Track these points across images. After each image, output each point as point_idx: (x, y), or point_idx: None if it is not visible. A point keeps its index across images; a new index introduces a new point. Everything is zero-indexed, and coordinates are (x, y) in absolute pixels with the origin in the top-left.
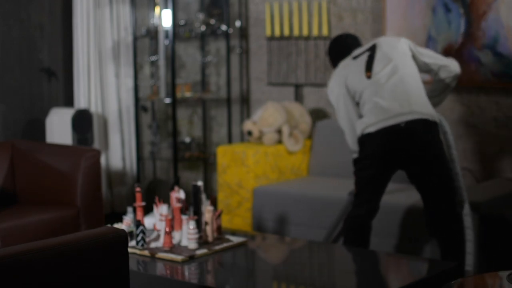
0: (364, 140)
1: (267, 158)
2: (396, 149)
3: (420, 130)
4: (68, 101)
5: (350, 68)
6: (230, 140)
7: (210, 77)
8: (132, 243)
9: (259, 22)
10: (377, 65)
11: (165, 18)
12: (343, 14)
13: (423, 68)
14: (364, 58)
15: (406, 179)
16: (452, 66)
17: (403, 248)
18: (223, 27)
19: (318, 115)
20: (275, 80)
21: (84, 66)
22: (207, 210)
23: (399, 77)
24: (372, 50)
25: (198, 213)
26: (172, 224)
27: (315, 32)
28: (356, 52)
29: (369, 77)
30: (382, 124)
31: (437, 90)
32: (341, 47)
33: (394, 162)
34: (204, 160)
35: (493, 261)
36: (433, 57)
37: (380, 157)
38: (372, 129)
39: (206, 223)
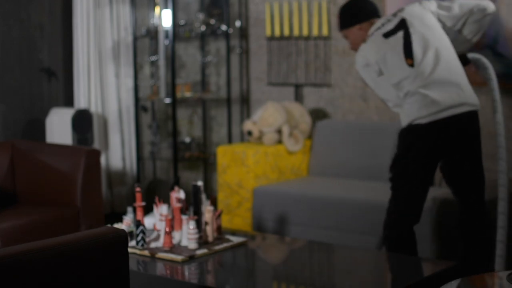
0: (410, 132)
1: (267, 158)
2: (446, 143)
3: (469, 123)
4: (68, 101)
5: (385, 49)
6: (230, 140)
7: (210, 77)
8: (132, 243)
9: (259, 22)
10: (416, 50)
11: (165, 18)
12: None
13: (452, 31)
14: (398, 39)
15: None
16: (483, 2)
17: None
18: (223, 27)
19: (318, 115)
20: (275, 80)
21: (84, 66)
22: (207, 210)
23: (444, 65)
24: (403, 27)
25: (198, 213)
26: (172, 224)
27: (315, 32)
28: (383, 26)
29: (411, 65)
30: (434, 117)
31: (472, 32)
32: (357, 9)
33: (439, 154)
34: (204, 160)
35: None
36: (463, 6)
37: (430, 150)
38: (422, 121)
39: (206, 223)
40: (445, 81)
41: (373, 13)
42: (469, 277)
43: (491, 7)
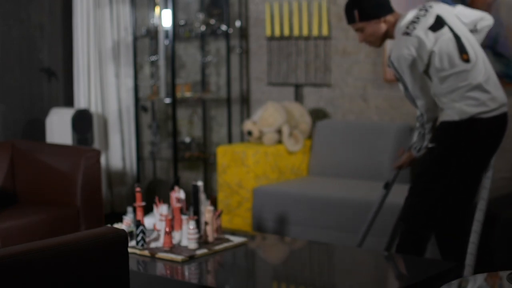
0: (472, 125)
1: (267, 158)
2: (501, 139)
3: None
4: (68, 101)
5: (440, 42)
6: (230, 140)
7: (210, 77)
8: (132, 243)
9: (259, 22)
10: (467, 46)
11: (165, 18)
12: (343, 14)
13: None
14: (447, 34)
15: (405, 179)
16: (486, 18)
17: None
18: (223, 27)
19: (318, 115)
20: (275, 80)
21: (84, 66)
22: (207, 210)
23: (488, 64)
24: (443, 23)
25: (198, 213)
26: (172, 224)
27: (315, 32)
28: (420, 21)
29: (466, 60)
30: (496, 112)
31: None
32: (383, 0)
33: (494, 151)
34: (204, 160)
35: (493, 261)
36: (470, 16)
37: (492, 145)
38: (486, 115)
39: (206, 223)
40: (495, 78)
41: (391, 6)
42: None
43: (491, 21)
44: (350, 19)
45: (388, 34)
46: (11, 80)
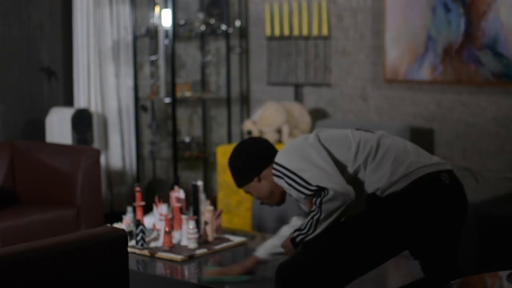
0: None
1: None
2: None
3: None
4: (68, 100)
5: None
6: (230, 140)
7: (210, 77)
8: (132, 242)
9: (259, 22)
10: None
11: (165, 17)
12: (343, 14)
13: None
14: None
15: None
16: None
17: None
18: (223, 27)
19: (318, 115)
20: (275, 80)
21: (84, 65)
22: (207, 209)
23: None
24: None
25: (197, 213)
26: (171, 224)
27: (315, 32)
28: None
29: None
30: None
31: None
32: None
33: None
34: (204, 160)
35: (493, 261)
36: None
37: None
38: None
39: (206, 223)
40: None
41: (266, 159)
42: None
43: None
44: (236, 185)
45: (280, 189)
46: (11, 80)
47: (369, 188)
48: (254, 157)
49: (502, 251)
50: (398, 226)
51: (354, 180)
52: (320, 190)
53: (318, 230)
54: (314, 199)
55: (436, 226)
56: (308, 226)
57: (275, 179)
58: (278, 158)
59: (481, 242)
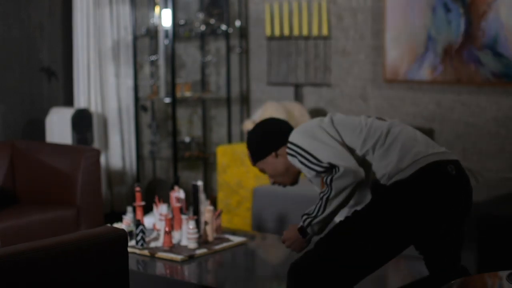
0: None
1: None
2: None
3: None
4: (68, 100)
5: None
6: (230, 140)
7: (210, 77)
8: (132, 242)
9: (259, 22)
10: None
11: (165, 17)
12: (343, 14)
13: None
14: None
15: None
16: None
17: None
18: (223, 27)
19: (318, 115)
20: (275, 80)
21: (84, 65)
22: (207, 209)
23: None
24: None
25: (197, 213)
26: (172, 224)
27: (315, 32)
28: None
29: None
30: None
31: None
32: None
33: None
34: (204, 160)
35: (493, 261)
36: None
37: None
38: None
39: (206, 223)
40: None
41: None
42: (469, 277)
43: None
44: (251, 162)
45: (295, 168)
46: (11, 80)
47: (377, 173)
48: (272, 133)
49: (502, 251)
50: (405, 213)
51: (362, 164)
52: (331, 168)
53: (327, 211)
54: (325, 178)
55: (440, 214)
56: (317, 208)
57: (289, 158)
58: (292, 138)
59: (481, 242)
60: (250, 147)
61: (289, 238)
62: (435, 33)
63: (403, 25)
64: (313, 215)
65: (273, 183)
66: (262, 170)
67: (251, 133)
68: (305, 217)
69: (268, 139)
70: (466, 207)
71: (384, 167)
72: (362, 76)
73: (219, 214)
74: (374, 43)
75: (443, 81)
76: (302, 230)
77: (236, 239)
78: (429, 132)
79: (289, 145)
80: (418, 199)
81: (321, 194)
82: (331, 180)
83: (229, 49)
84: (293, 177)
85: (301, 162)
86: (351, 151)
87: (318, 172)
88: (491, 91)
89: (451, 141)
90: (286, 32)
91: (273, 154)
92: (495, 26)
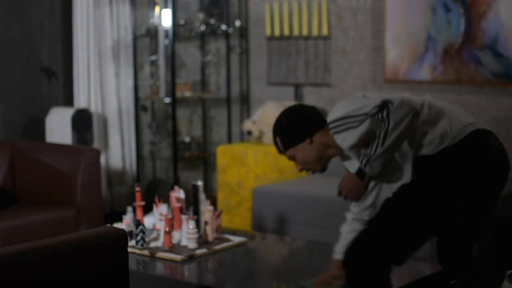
0: None
1: (267, 158)
2: None
3: None
4: (68, 100)
5: None
6: (230, 140)
7: (210, 76)
8: (132, 242)
9: (259, 22)
10: None
11: (165, 17)
12: (343, 14)
13: None
14: None
15: None
16: None
17: None
18: (223, 27)
19: None
20: (275, 80)
21: (84, 65)
22: (207, 209)
23: None
24: None
25: (197, 213)
26: (171, 224)
27: (315, 32)
28: None
29: None
30: None
31: None
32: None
33: None
34: (204, 160)
35: (493, 261)
36: None
37: None
38: None
39: (206, 223)
40: None
41: (319, 122)
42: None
43: None
44: (278, 149)
45: (328, 154)
46: (11, 80)
47: (425, 138)
48: (307, 119)
49: (502, 251)
50: (455, 180)
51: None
52: (384, 105)
53: (386, 144)
54: (380, 114)
55: (483, 182)
56: (375, 145)
57: (336, 136)
58: (331, 116)
59: (481, 242)
60: (281, 133)
61: (345, 186)
62: (435, 33)
63: (403, 25)
64: (372, 152)
65: (301, 170)
66: (292, 157)
67: (281, 118)
68: (362, 157)
69: (303, 124)
70: (502, 180)
71: (433, 132)
72: (362, 76)
73: (219, 214)
74: (374, 43)
75: (443, 81)
76: (359, 172)
77: (236, 239)
78: None
79: (331, 124)
80: (466, 165)
81: (378, 131)
82: (387, 114)
83: (229, 49)
84: (325, 164)
85: (353, 127)
86: None
87: (373, 115)
88: (491, 91)
89: None
90: (286, 32)
91: (308, 140)
92: (495, 26)
